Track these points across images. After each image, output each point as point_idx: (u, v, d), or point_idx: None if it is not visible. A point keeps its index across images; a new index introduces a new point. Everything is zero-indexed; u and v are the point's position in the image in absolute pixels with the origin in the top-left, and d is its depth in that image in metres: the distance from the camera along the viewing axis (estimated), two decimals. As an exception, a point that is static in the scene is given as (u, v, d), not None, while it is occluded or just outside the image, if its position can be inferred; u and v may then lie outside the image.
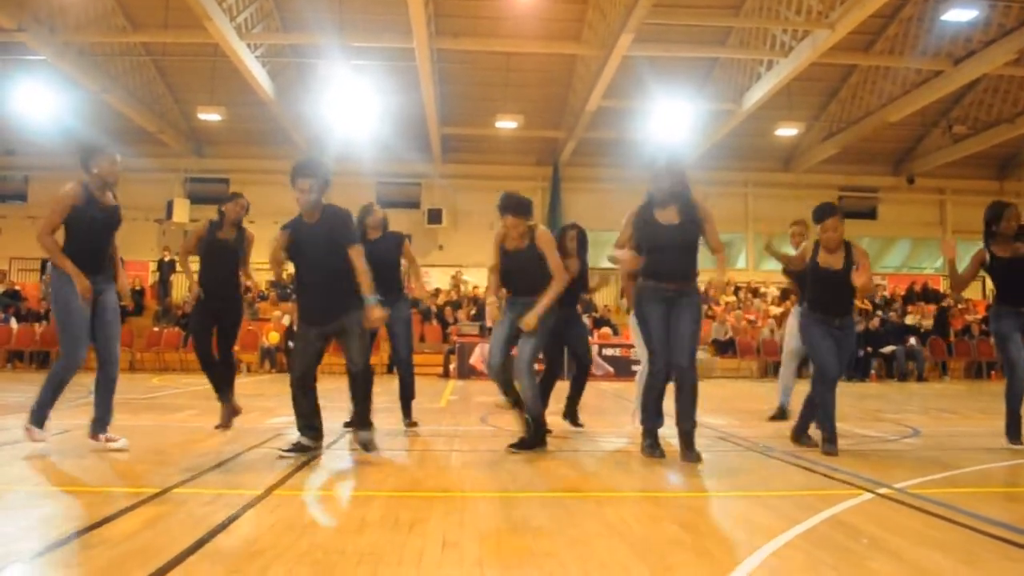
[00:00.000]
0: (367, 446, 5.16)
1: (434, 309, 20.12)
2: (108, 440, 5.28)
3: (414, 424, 6.82)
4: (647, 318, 5.28)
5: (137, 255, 22.67)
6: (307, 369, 5.22)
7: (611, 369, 16.75)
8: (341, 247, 4.99)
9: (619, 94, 18.83)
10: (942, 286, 23.17)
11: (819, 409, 5.81)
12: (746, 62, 18.27)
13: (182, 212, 22.62)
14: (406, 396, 6.92)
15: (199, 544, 2.98)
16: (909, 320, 19.77)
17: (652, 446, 5.32)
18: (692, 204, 5.22)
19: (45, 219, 5.08)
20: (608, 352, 16.93)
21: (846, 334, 5.84)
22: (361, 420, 5.26)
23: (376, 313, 4.97)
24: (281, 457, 4.85)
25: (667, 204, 5.22)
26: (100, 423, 5.30)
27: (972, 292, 23.43)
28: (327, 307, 5.07)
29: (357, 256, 5.01)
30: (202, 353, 6.48)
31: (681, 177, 5.22)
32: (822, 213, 5.83)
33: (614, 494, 4.31)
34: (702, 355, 17.89)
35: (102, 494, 3.87)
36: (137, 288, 20.83)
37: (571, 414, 7.10)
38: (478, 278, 21.26)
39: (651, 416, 5.41)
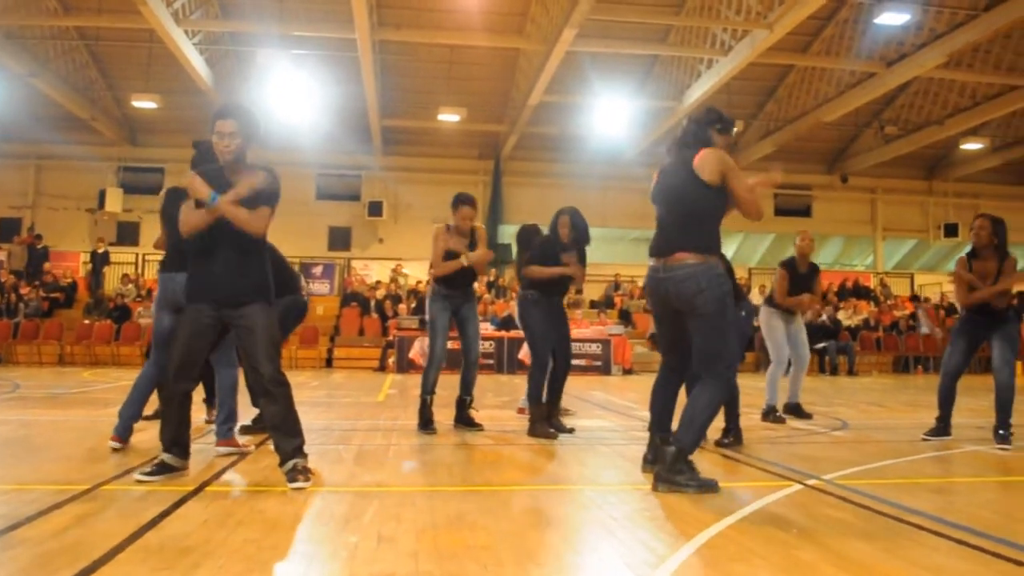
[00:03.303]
0: (295, 477, 3.98)
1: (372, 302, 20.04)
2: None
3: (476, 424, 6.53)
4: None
5: (69, 246, 22.09)
6: (192, 358, 4.07)
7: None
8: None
9: (561, 89, 18.94)
10: (872, 283, 23.82)
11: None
12: (686, 60, 18.52)
13: (115, 202, 22.06)
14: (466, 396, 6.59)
15: (129, 541, 2.93)
16: (841, 316, 20.28)
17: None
18: None
19: None
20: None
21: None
22: (286, 445, 4.07)
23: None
24: (140, 481, 3.98)
25: None
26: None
27: (900, 289, 24.13)
28: (232, 284, 4.02)
29: (260, 218, 4.01)
30: None
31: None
32: None
33: (550, 487, 4.35)
34: (641, 349, 18.08)
35: (28, 491, 3.77)
36: (68, 280, 20.28)
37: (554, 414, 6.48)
38: (419, 271, 21.19)
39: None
